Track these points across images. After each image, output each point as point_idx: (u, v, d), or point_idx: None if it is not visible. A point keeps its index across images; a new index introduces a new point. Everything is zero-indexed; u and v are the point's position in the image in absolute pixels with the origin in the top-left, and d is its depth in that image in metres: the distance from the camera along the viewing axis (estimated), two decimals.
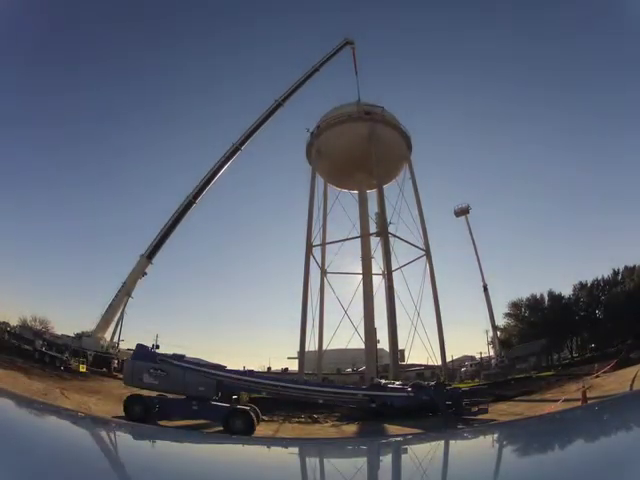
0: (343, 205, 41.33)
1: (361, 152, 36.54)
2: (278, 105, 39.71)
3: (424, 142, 43.46)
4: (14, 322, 36.79)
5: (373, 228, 38.26)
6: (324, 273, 39.74)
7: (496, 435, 1.81)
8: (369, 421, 16.52)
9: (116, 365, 31.14)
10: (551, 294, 44.80)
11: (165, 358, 15.27)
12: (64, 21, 66.16)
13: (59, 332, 38.77)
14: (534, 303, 45.58)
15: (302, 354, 35.00)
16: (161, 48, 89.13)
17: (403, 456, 1.60)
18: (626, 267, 41.12)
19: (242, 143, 38.34)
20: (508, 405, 18.63)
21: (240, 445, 2.08)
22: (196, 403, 13.78)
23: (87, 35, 72.28)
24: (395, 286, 33.75)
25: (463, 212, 45.98)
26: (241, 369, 37.32)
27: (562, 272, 76.84)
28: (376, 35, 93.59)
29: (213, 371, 15.45)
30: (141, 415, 12.91)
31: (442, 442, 1.78)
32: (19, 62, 60.89)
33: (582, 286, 43.41)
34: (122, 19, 73.61)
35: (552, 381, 24.42)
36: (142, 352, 16.13)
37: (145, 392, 14.69)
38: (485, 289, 43.22)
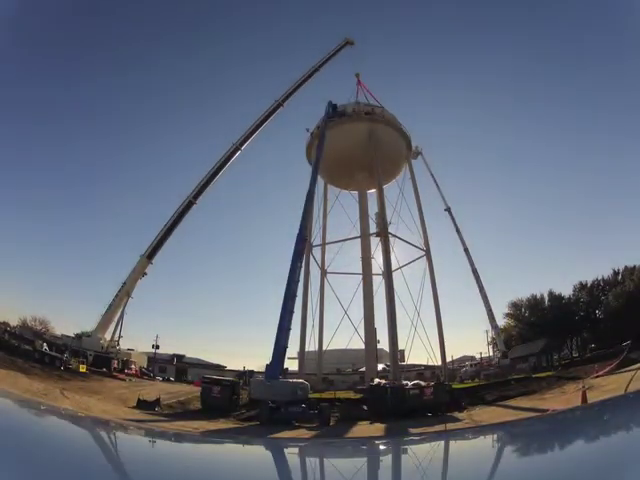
0: (343, 205, 41.35)
1: (361, 152, 36.50)
2: (278, 105, 39.70)
3: (423, 142, 43.80)
4: (14, 322, 36.85)
5: (373, 228, 38.22)
6: (324, 273, 39.74)
7: (496, 435, 1.81)
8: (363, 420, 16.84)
9: (116, 365, 31.17)
10: (551, 294, 44.88)
11: None
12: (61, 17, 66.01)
13: (59, 332, 38.88)
14: (534, 303, 45.60)
15: (302, 354, 34.95)
16: (161, 47, 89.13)
17: (403, 456, 1.60)
18: (626, 267, 41.17)
19: (242, 143, 38.36)
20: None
21: (240, 445, 2.09)
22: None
23: (86, 30, 72.22)
24: (395, 286, 33.73)
25: (417, 153, 43.92)
26: (241, 369, 37.49)
27: (562, 272, 76.81)
28: (376, 35, 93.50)
29: None
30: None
31: (442, 442, 1.78)
32: (17, 55, 60.65)
33: (582, 286, 43.46)
34: (125, 14, 73.53)
35: (552, 381, 24.40)
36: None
37: None
38: (475, 272, 42.63)
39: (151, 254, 36.05)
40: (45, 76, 73.00)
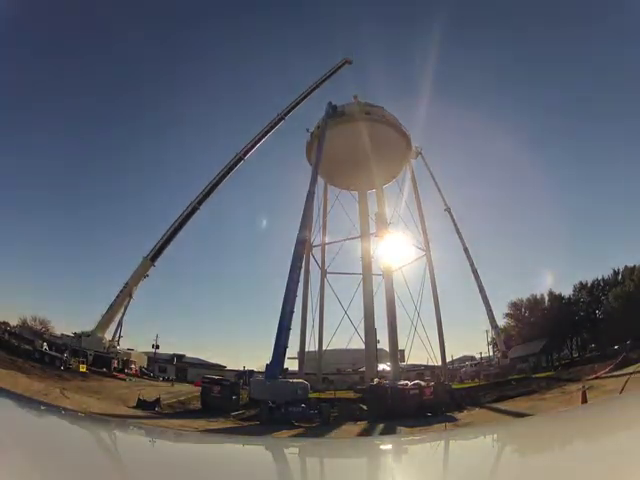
0: (343, 205, 41.39)
1: (361, 152, 36.52)
2: (280, 119, 40.15)
3: (424, 142, 44.10)
4: (14, 322, 36.76)
5: (373, 228, 38.26)
6: (324, 273, 39.77)
7: (496, 435, 1.81)
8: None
9: (116, 365, 31.20)
10: (551, 294, 44.81)
11: None
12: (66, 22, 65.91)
13: (59, 332, 38.79)
14: (534, 303, 45.56)
15: (302, 354, 35.00)
16: (166, 53, 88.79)
17: (403, 456, 1.60)
18: (626, 267, 41.12)
19: (245, 154, 38.78)
20: None
21: (240, 445, 2.09)
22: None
23: (93, 32, 72.01)
24: (395, 286, 33.76)
25: (417, 153, 43.51)
26: (241, 369, 37.48)
27: (562, 272, 76.74)
28: (375, 34, 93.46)
29: None
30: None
31: (442, 442, 1.79)
32: (21, 55, 60.34)
33: (582, 286, 43.43)
34: (128, 20, 73.37)
35: (552, 382, 24.41)
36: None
37: None
38: (474, 272, 42.46)
39: (154, 256, 36.19)
40: (45, 76, 72.83)
